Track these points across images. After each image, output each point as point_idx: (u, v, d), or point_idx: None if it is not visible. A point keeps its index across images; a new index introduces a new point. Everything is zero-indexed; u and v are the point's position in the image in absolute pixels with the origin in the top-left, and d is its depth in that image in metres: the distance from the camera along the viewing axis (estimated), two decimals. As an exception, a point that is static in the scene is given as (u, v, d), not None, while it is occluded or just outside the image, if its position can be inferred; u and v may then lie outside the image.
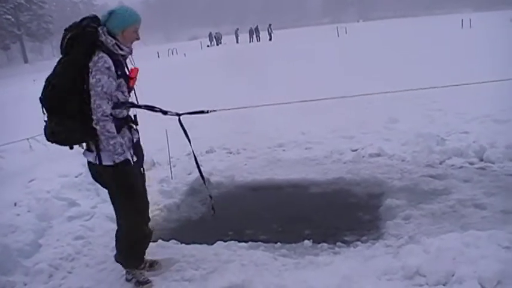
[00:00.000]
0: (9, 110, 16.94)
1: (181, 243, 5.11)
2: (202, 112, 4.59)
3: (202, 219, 6.13)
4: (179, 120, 4.44)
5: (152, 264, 4.58)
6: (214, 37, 65.44)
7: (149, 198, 6.15)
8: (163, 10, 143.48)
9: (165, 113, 4.35)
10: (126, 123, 4.10)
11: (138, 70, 4.07)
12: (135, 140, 4.16)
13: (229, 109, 5.51)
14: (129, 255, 4.38)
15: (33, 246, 5.22)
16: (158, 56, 44.94)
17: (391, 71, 15.34)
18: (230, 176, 7.30)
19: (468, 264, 3.80)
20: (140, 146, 4.32)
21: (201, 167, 4.77)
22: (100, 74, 3.77)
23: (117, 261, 4.45)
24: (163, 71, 25.94)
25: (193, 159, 4.74)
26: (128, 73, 4.04)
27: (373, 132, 8.78)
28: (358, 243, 4.90)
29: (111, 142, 3.84)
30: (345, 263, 4.35)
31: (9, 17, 69.23)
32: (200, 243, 4.99)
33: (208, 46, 61.48)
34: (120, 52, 3.93)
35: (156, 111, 4.34)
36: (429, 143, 7.41)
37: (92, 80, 3.76)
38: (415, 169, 6.76)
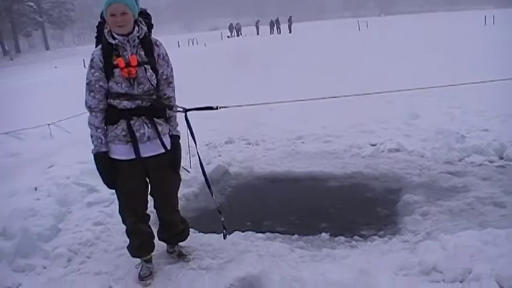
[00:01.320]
0: (30, 95, 17.10)
1: (199, 232, 5.14)
2: (211, 108, 4.51)
3: (220, 208, 6.13)
4: (185, 116, 4.35)
5: (180, 255, 4.60)
6: (235, 28, 65.51)
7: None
8: (184, 0, 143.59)
9: (170, 108, 4.17)
10: (128, 115, 3.95)
11: (135, 59, 3.86)
12: (138, 135, 3.96)
13: (239, 106, 5.47)
14: (129, 242, 4.43)
15: (52, 230, 5.29)
16: (178, 46, 45.05)
17: (414, 66, 15.23)
18: (249, 167, 7.33)
19: (486, 262, 3.79)
20: (157, 142, 4.07)
21: (208, 180, 4.69)
22: (88, 67, 3.92)
23: None
24: (183, 60, 25.96)
25: (201, 165, 4.63)
26: (115, 63, 3.85)
27: (393, 127, 8.73)
28: (375, 237, 4.89)
29: (90, 133, 3.95)
30: (361, 257, 4.36)
31: (32, 4, 69.84)
32: (218, 233, 4.96)
33: (228, 37, 61.52)
34: (112, 41, 3.85)
35: (161, 105, 4.09)
36: (449, 140, 7.36)
37: None
38: (434, 165, 6.73)
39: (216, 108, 4.52)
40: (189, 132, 4.41)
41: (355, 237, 4.95)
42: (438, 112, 9.44)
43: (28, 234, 4.90)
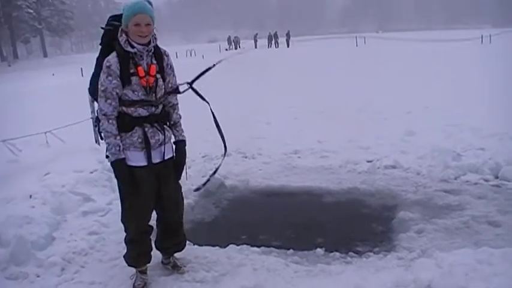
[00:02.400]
0: (27, 103, 17.09)
1: (194, 244, 5.12)
2: (208, 69, 4.55)
3: (215, 221, 6.15)
4: (191, 87, 4.42)
5: (174, 267, 4.57)
6: (233, 41, 65.76)
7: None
8: (183, 11, 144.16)
9: (177, 91, 4.30)
10: (143, 122, 4.02)
11: (154, 69, 4.01)
12: (153, 142, 4.06)
13: (230, 58, 5.47)
14: (126, 251, 4.40)
15: (47, 239, 5.26)
16: (176, 56, 45.10)
17: (409, 85, 15.33)
18: (245, 180, 7.32)
19: (481, 281, 3.78)
20: (165, 148, 4.20)
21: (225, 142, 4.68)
22: (102, 74, 3.89)
23: None
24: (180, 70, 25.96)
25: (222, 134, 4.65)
26: (134, 71, 3.92)
27: (389, 144, 8.74)
28: (371, 254, 4.89)
29: (107, 141, 3.93)
30: (356, 273, 4.35)
31: (31, 11, 69.95)
32: (213, 246, 5.01)
33: (226, 50, 61.68)
34: (130, 49, 3.90)
35: (171, 93, 4.25)
36: (445, 158, 7.38)
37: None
38: (429, 183, 6.74)
39: (213, 66, 4.58)
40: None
41: (350, 253, 4.94)
42: (434, 129, 9.46)
43: (22, 242, 4.87)
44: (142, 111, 4.00)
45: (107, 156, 4.03)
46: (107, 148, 3.98)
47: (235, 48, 63.80)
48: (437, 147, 8.00)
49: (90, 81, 4.22)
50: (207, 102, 4.54)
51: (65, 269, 4.72)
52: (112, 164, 3.98)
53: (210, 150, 8.73)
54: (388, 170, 7.40)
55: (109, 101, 3.88)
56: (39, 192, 6.45)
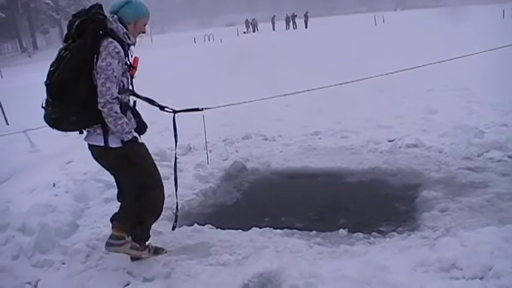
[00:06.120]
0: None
1: (217, 228, 5.14)
2: (197, 110, 4.82)
3: (237, 204, 6.16)
4: (173, 117, 4.66)
5: (157, 251, 4.64)
6: (251, 24, 65.54)
7: (185, 182, 6.25)
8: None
9: (162, 108, 4.57)
10: (129, 109, 4.24)
11: (138, 60, 4.22)
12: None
13: (223, 106, 5.48)
14: (145, 227, 4.57)
15: (71, 226, 5.32)
16: (194, 42, 45.12)
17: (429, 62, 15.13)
18: (266, 162, 7.31)
19: (506, 259, 3.74)
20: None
21: (177, 175, 4.89)
22: (111, 58, 3.88)
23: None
24: (198, 56, 25.97)
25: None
26: (130, 62, 4.18)
27: (411, 122, 8.66)
28: (394, 233, 4.85)
29: (119, 122, 3.99)
30: (380, 253, 4.32)
31: (49, 1, 70.26)
32: (235, 229, 5.02)
33: (244, 33, 61.49)
34: (128, 41, 4.10)
35: (154, 105, 4.51)
36: (467, 135, 7.28)
37: (101, 64, 3.86)
38: (452, 161, 6.66)
39: (202, 109, 4.89)
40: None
41: (374, 233, 4.91)
42: (455, 107, 9.36)
43: (47, 230, 4.94)
44: (127, 99, 4.23)
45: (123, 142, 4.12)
46: (121, 131, 4.03)
47: (253, 31, 63.57)
48: (459, 124, 7.91)
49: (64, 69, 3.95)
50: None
51: (89, 255, 4.76)
52: (129, 142, 4.11)
53: (230, 134, 8.74)
54: (410, 149, 7.32)
55: (115, 85, 3.93)
56: (62, 181, 6.53)
